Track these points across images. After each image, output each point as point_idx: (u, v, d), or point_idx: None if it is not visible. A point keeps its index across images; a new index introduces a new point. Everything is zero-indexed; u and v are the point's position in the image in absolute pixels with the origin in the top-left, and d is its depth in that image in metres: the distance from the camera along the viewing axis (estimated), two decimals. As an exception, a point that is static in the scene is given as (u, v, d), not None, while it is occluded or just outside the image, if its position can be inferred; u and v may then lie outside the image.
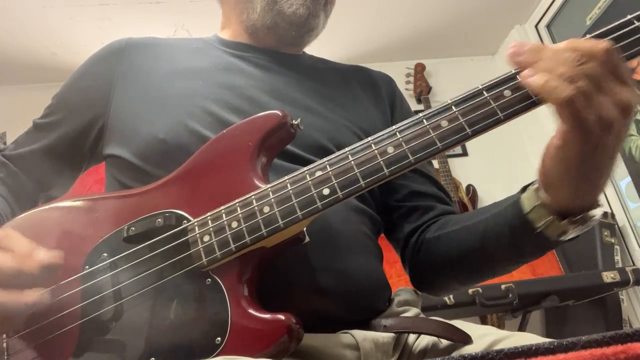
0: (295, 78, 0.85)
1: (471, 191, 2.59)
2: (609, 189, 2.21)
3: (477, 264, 0.72)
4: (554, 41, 2.54)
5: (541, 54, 0.52)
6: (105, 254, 0.60)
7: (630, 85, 0.51)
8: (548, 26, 2.57)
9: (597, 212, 0.57)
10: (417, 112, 0.58)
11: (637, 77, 2.02)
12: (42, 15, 2.19)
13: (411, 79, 2.80)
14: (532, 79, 0.51)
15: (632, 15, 0.55)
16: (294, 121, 0.64)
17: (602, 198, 2.06)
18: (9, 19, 2.18)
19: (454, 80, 2.79)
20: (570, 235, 0.58)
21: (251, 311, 0.54)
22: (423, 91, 2.74)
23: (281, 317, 0.53)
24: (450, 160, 2.55)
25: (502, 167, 2.63)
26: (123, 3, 2.20)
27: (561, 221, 0.56)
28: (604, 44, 0.50)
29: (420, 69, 2.81)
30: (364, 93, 0.90)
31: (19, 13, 2.15)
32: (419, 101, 2.77)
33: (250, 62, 0.84)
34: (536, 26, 2.62)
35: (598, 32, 0.55)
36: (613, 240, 1.98)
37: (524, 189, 0.62)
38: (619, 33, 0.54)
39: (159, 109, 0.75)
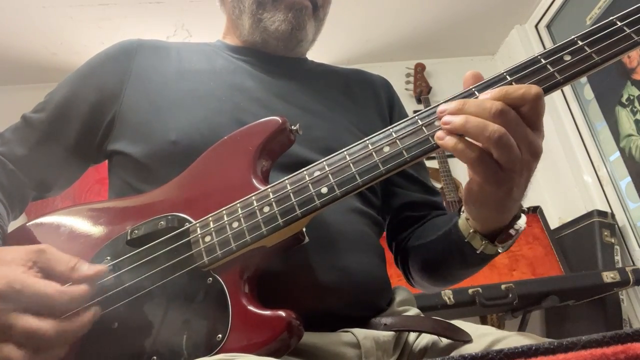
0: (301, 82, 0.87)
1: (471, 191, 2.58)
2: (609, 189, 2.20)
3: (444, 272, 0.79)
4: (554, 41, 2.53)
5: (465, 106, 0.53)
6: (108, 257, 0.61)
7: (541, 130, 0.54)
8: (548, 26, 2.57)
9: (520, 224, 0.63)
10: (417, 112, 0.59)
11: (637, 77, 2.02)
12: (42, 15, 2.19)
13: (411, 79, 2.80)
14: (444, 140, 0.53)
15: (615, 17, 0.55)
16: (293, 127, 0.65)
17: (602, 198, 2.05)
18: (9, 19, 2.18)
19: (454, 80, 2.78)
20: (507, 247, 0.65)
21: (251, 308, 0.54)
22: (423, 91, 2.73)
23: (281, 313, 0.53)
24: (451, 160, 2.54)
25: (502, 167, 2.63)
26: (123, 3, 2.20)
27: (493, 243, 0.64)
28: (535, 89, 0.51)
29: (420, 69, 2.81)
30: (364, 96, 0.92)
31: (19, 13, 2.15)
32: (419, 101, 2.77)
33: (256, 66, 0.86)
34: (536, 26, 2.62)
35: (586, 30, 0.55)
36: (613, 240, 1.97)
37: (460, 211, 0.68)
38: (604, 32, 0.55)
39: (170, 111, 0.75)
